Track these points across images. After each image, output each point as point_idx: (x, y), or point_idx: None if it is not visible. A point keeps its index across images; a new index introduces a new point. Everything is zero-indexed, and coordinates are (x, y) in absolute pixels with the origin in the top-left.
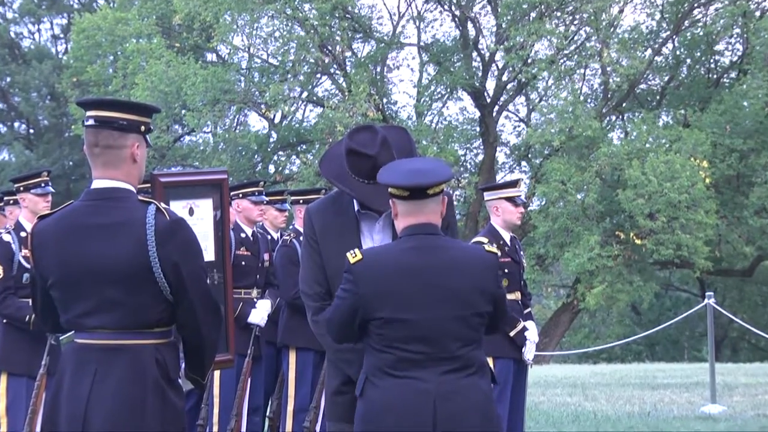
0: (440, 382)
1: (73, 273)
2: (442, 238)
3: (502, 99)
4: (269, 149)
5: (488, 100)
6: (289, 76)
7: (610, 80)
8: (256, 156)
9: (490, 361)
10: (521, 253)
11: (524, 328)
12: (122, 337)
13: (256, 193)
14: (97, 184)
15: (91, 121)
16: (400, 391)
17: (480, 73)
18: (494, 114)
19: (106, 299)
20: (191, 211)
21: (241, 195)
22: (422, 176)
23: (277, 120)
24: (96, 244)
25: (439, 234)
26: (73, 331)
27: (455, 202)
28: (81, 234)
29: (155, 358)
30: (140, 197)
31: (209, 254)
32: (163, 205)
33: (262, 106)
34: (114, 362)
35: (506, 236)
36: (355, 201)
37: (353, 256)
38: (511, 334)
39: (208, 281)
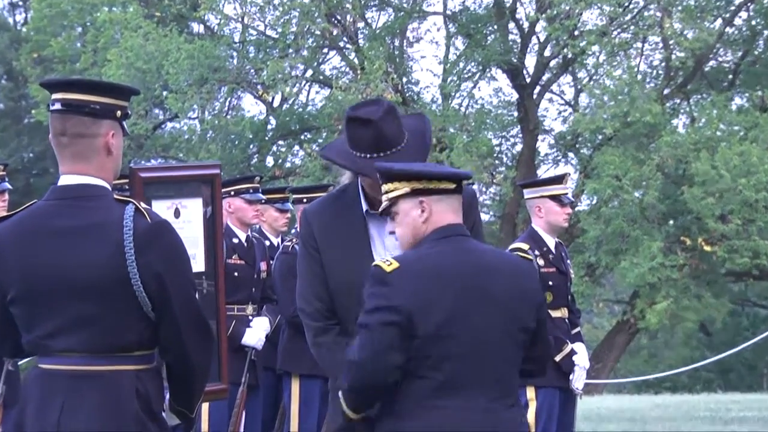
0: (485, 414)
1: (37, 285)
2: (474, 241)
3: (544, 78)
4: (267, 138)
5: (528, 80)
6: (291, 51)
7: (673, 56)
8: (251, 146)
9: (531, 390)
10: (568, 262)
11: (572, 352)
12: (95, 362)
13: (252, 191)
14: (65, 180)
15: (57, 105)
16: (444, 423)
17: (518, 48)
18: (535, 96)
19: (76, 317)
20: (177, 213)
21: (233, 193)
22: (450, 168)
23: (276, 103)
24: (64, 252)
25: (470, 237)
26: (35, 356)
27: (489, 201)
28: (46, 239)
29: (135, 388)
30: (116, 196)
31: (198, 264)
32: (143, 205)
33: (259, 86)
34: (85, 392)
35: (550, 242)
36: (362, 199)
37: (387, 264)
38: (557, 358)
39: (196, 295)
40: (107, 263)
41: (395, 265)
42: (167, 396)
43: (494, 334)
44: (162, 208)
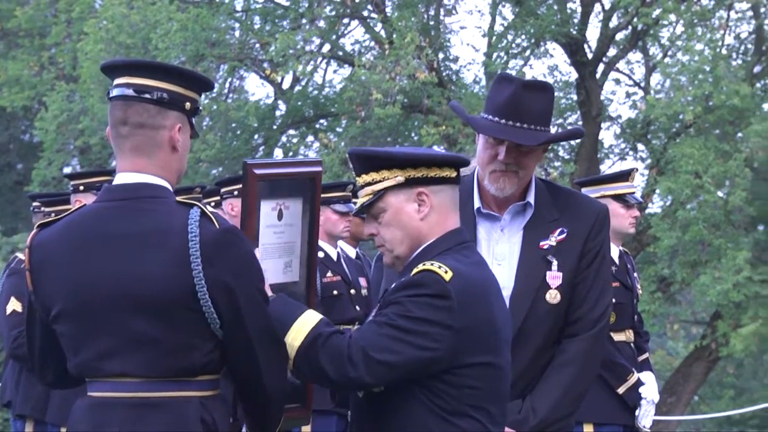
0: None
1: (88, 299)
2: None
3: (609, 54)
4: (275, 126)
5: (590, 56)
6: (304, 21)
7: (765, 25)
8: (256, 136)
9: (589, 427)
10: (635, 275)
11: (638, 383)
12: (156, 389)
13: None
14: (122, 178)
15: (117, 91)
16: None
17: (578, 18)
18: (598, 76)
19: (133, 336)
20: (280, 214)
21: (236, 193)
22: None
23: (286, 85)
24: (120, 261)
25: None
26: (84, 381)
27: None
28: (99, 246)
29: (200, 417)
30: (179, 199)
31: (293, 273)
32: (210, 208)
33: (266, 64)
34: (145, 423)
35: (614, 251)
36: (475, 195)
37: (444, 271)
38: (620, 390)
39: (268, 310)
40: (170, 274)
41: (451, 273)
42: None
43: (508, 368)
44: (267, 209)
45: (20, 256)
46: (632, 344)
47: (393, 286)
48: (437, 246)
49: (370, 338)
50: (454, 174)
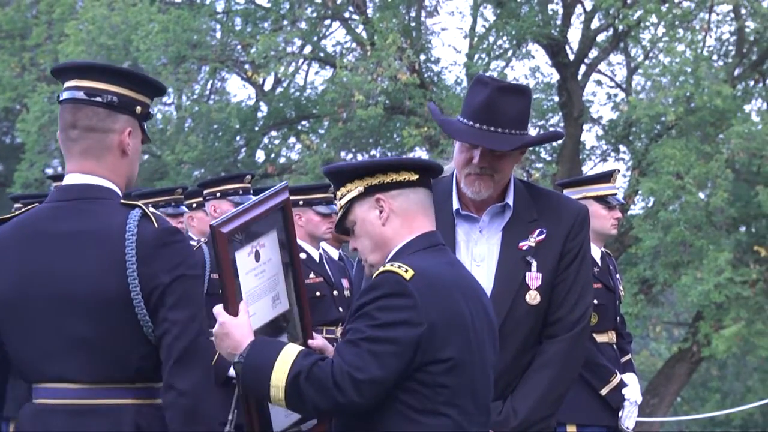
0: None
1: (30, 295)
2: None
3: (591, 56)
4: (257, 128)
5: (571, 58)
6: (286, 22)
7: (746, 27)
8: (238, 137)
9: (572, 428)
10: (617, 276)
11: (621, 384)
12: (93, 395)
13: (241, 192)
14: (70, 179)
15: (68, 94)
16: None
17: (560, 19)
18: (580, 77)
19: (70, 337)
20: (257, 256)
21: (218, 194)
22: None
23: (268, 86)
24: (60, 259)
25: None
26: (29, 383)
27: None
28: (41, 245)
29: (136, 425)
30: (124, 201)
31: (282, 303)
32: (152, 209)
33: (247, 66)
34: (83, 430)
35: (596, 252)
36: (454, 197)
37: (404, 271)
38: (603, 392)
39: (203, 325)
40: (105, 274)
41: (412, 272)
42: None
43: (486, 367)
44: (243, 257)
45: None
46: (614, 345)
47: (361, 290)
48: (406, 249)
49: (350, 360)
50: (413, 177)
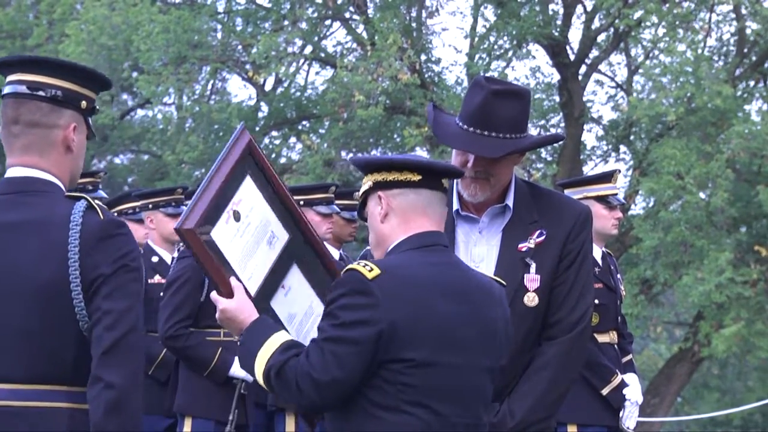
0: None
1: None
2: (457, 257)
3: (591, 56)
4: (258, 128)
5: (572, 58)
6: (286, 23)
7: (747, 28)
8: None
9: (573, 428)
10: (618, 276)
11: (622, 384)
12: (25, 396)
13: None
14: (11, 172)
15: (10, 88)
16: None
17: (560, 19)
18: (580, 77)
19: (9, 330)
20: (237, 216)
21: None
22: (434, 160)
23: (268, 86)
24: (1, 251)
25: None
26: None
27: None
28: None
29: (69, 431)
30: (69, 194)
31: (281, 238)
32: (98, 202)
33: (248, 66)
34: None
35: (597, 252)
36: (454, 197)
37: (369, 270)
38: (604, 392)
39: (140, 320)
40: (46, 264)
41: (378, 270)
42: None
43: (480, 369)
44: (220, 229)
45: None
46: (616, 346)
47: None
48: (398, 248)
49: (313, 360)
50: (416, 177)
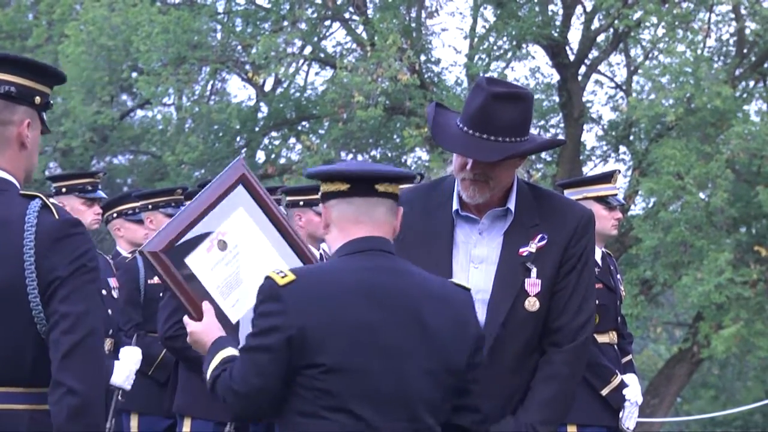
0: None
1: None
2: (403, 261)
3: (591, 56)
4: (257, 128)
5: (571, 58)
6: (286, 23)
7: (746, 29)
8: (238, 138)
9: (572, 428)
10: (618, 277)
11: (622, 384)
12: None
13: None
14: None
15: None
16: None
17: (560, 19)
18: (580, 78)
19: None
20: (222, 245)
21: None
22: (368, 165)
23: (268, 87)
24: None
25: (395, 255)
26: None
27: None
28: None
29: None
30: (23, 192)
31: (291, 259)
32: (53, 200)
33: (247, 66)
34: None
35: (597, 253)
36: (455, 197)
37: (281, 276)
38: (604, 392)
39: (98, 324)
40: (2, 265)
41: (290, 277)
42: None
43: (413, 371)
44: (200, 256)
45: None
46: (615, 346)
47: None
48: (334, 255)
49: (234, 372)
50: (344, 187)
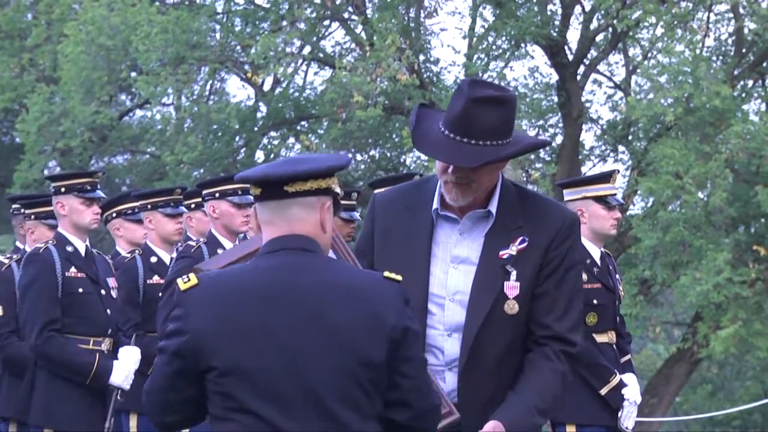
0: None
1: None
2: (316, 256)
3: (589, 56)
4: (257, 128)
5: (570, 58)
6: (285, 23)
7: (745, 28)
8: (237, 138)
9: (571, 428)
10: (617, 277)
11: (621, 384)
12: None
13: (240, 192)
14: None
15: None
16: None
17: (558, 19)
18: (579, 77)
19: None
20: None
21: (217, 195)
22: (281, 166)
23: (267, 87)
24: None
25: (315, 251)
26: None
27: None
28: None
29: None
30: None
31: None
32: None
33: (246, 66)
34: None
35: (595, 252)
36: (436, 196)
37: (185, 282)
38: (603, 391)
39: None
40: None
41: (193, 282)
42: None
43: (318, 368)
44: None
45: (1, 259)
46: (614, 346)
47: None
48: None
49: (149, 382)
50: (257, 191)
